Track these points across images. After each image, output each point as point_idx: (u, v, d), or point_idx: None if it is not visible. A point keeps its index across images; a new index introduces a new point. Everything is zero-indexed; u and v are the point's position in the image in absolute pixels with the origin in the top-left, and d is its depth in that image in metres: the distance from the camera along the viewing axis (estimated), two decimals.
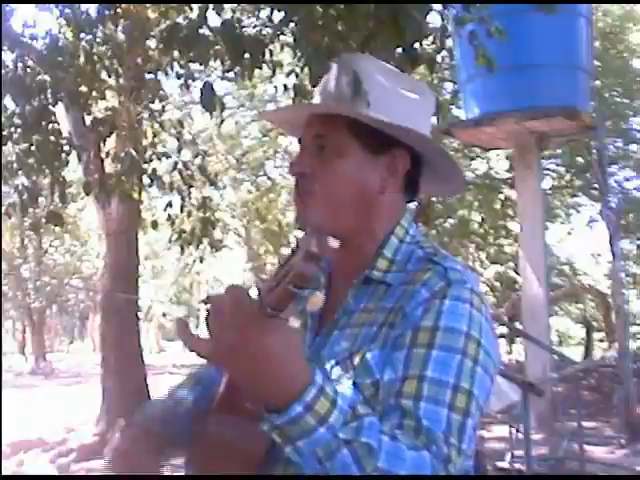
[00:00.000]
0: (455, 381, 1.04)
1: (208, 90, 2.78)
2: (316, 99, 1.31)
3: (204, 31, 3.04)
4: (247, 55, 3.04)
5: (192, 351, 0.95)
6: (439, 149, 1.26)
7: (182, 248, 5.16)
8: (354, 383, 1.09)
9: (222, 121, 4.29)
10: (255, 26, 3.06)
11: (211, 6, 3.16)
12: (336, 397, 0.95)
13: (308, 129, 1.23)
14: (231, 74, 4.24)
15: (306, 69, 3.36)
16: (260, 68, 3.57)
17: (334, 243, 0.96)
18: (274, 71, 3.76)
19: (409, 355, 1.06)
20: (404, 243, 1.22)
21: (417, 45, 2.99)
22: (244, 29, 3.08)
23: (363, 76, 1.24)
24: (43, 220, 4.60)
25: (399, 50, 2.87)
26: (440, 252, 1.19)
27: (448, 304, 1.09)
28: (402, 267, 1.18)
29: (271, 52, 3.38)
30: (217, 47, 3.43)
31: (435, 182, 1.32)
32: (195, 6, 3.74)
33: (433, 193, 1.46)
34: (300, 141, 1.26)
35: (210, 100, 2.79)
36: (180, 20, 3.48)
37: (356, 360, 1.11)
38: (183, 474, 1.21)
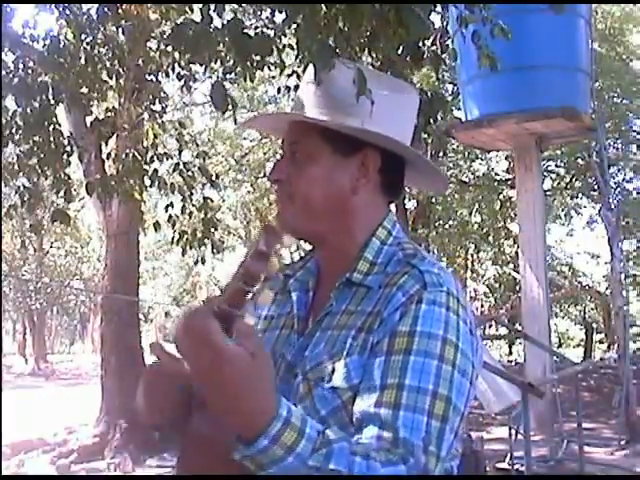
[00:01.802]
0: (434, 388, 1.04)
1: (219, 89, 2.77)
2: (295, 106, 1.32)
3: (209, 31, 3.02)
4: (253, 55, 3.02)
5: (170, 373, 0.98)
6: (409, 149, 1.27)
7: (184, 249, 5.16)
8: (333, 387, 1.10)
9: (235, 120, 4.30)
10: (256, 27, 3.06)
11: (212, 7, 3.16)
12: (304, 427, 0.96)
13: (286, 136, 1.27)
14: (231, 75, 4.23)
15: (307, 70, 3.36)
16: (262, 70, 3.58)
17: (289, 242, 0.99)
18: (282, 70, 3.75)
19: (387, 362, 1.07)
20: (386, 245, 1.23)
21: (421, 44, 2.99)
22: (246, 30, 3.07)
23: (335, 79, 1.26)
24: (48, 219, 4.61)
25: (403, 49, 2.87)
26: (420, 254, 1.19)
27: (424, 308, 1.09)
28: (383, 269, 1.19)
29: (278, 50, 3.36)
30: (219, 48, 3.42)
31: (419, 180, 1.35)
32: (196, 7, 3.74)
33: (421, 189, 1.48)
34: (281, 148, 1.29)
35: (221, 99, 2.78)
36: (186, 20, 3.47)
37: (335, 363, 1.12)
38: (177, 474, 1.22)
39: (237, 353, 0.93)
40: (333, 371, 1.11)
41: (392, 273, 1.16)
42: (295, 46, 3.26)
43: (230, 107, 2.94)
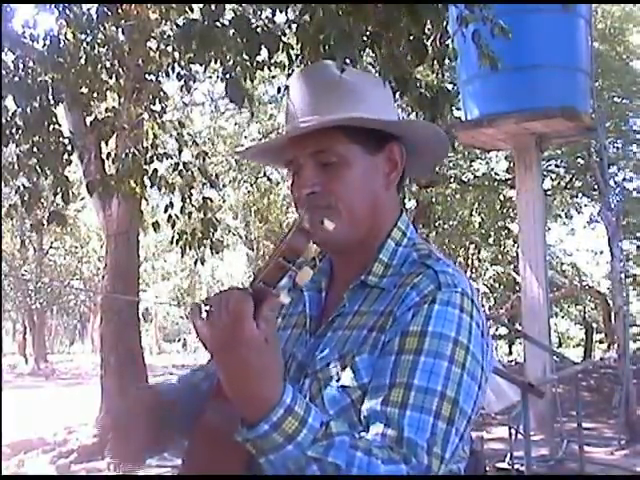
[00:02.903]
0: (442, 389, 1.04)
1: (234, 83, 2.76)
2: (295, 119, 1.25)
3: (217, 27, 2.99)
4: (261, 51, 3.00)
5: (196, 333, 0.99)
6: (426, 125, 1.28)
7: (183, 250, 5.15)
8: (342, 386, 1.10)
9: (252, 114, 4.28)
10: (257, 26, 3.06)
11: (212, 7, 3.15)
12: (306, 416, 0.97)
13: (302, 150, 1.20)
14: (231, 75, 4.22)
15: None
16: (262, 70, 3.57)
17: (329, 225, 0.99)
18: (289, 66, 3.74)
19: (397, 361, 1.07)
20: (401, 246, 1.22)
21: (424, 39, 2.98)
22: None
23: (337, 82, 1.24)
24: (45, 220, 4.60)
25: (407, 46, 2.86)
26: (434, 255, 1.19)
27: (437, 309, 1.09)
28: (397, 271, 1.19)
29: (286, 46, 3.34)
30: (223, 46, 3.40)
31: (418, 161, 1.32)
32: (196, 7, 3.74)
33: (418, 173, 1.47)
34: (290, 164, 1.24)
35: (237, 93, 2.76)
36: (187, 19, 3.46)
37: (345, 363, 1.12)
38: (179, 474, 1.22)
39: (253, 336, 0.94)
40: (343, 370, 1.11)
41: (406, 274, 1.16)
42: (295, 46, 3.26)
43: (246, 101, 2.92)
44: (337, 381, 1.11)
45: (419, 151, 1.28)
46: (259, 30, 2.97)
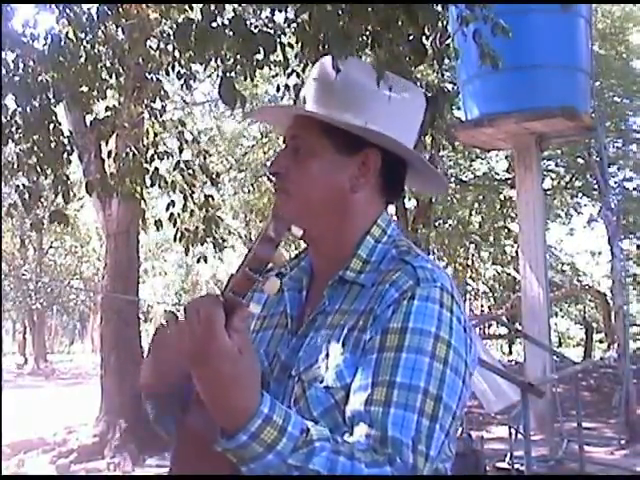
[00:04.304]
0: (425, 385, 1.03)
1: (227, 84, 2.75)
2: (303, 101, 1.31)
3: (214, 28, 2.99)
4: (258, 52, 3.01)
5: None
6: (410, 151, 1.26)
7: (186, 248, 5.15)
8: (326, 387, 1.10)
9: (244, 116, 4.32)
10: (256, 27, 3.05)
11: (212, 6, 3.15)
12: (285, 425, 0.96)
13: (288, 130, 1.26)
14: (231, 74, 4.22)
15: (307, 69, 3.36)
16: (262, 68, 3.57)
17: (297, 231, 0.99)
18: (285, 68, 3.73)
19: (379, 360, 1.06)
20: (380, 243, 1.22)
21: (424, 40, 2.98)
22: (249, 27, 3.06)
23: (341, 77, 1.24)
24: (46, 220, 4.60)
25: (406, 46, 2.86)
26: (413, 251, 1.18)
27: (416, 304, 1.08)
28: (376, 267, 1.18)
29: (282, 46, 3.33)
30: (222, 46, 3.40)
31: (419, 182, 1.34)
32: (196, 6, 3.73)
33: (421, 191, 1.48)
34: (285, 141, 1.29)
35: (230, 94, 2.76)
36: (187, 18, 3.46)
37: (328, 363, 1.11)
38: (172, 474, 1.22)
39: (225, 348, 0.94)
40: (326, 371, 1.10)
41: (385, 270, 1.15)
42: (295, 45, 3.26)
43: (239, 103, 2.92)
44: (320, 382, 1.10)
45: (414, 168, 1.27)
46: (256, 30, 2.96)
